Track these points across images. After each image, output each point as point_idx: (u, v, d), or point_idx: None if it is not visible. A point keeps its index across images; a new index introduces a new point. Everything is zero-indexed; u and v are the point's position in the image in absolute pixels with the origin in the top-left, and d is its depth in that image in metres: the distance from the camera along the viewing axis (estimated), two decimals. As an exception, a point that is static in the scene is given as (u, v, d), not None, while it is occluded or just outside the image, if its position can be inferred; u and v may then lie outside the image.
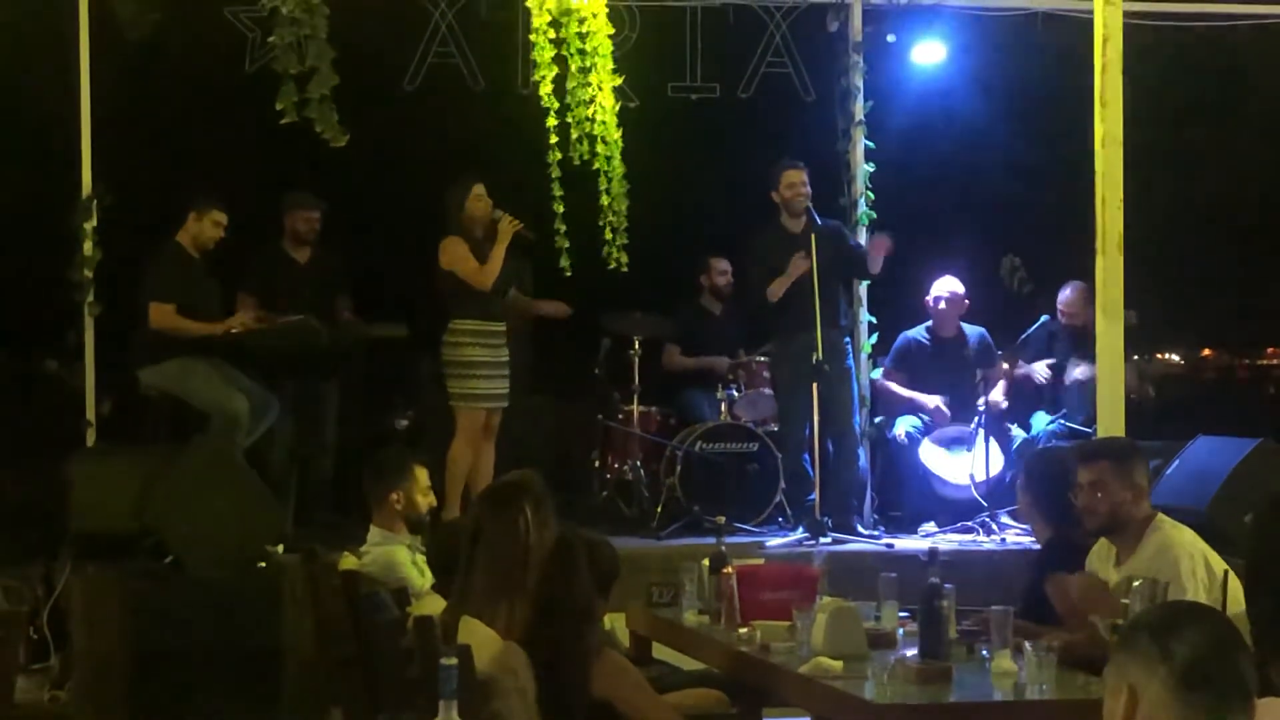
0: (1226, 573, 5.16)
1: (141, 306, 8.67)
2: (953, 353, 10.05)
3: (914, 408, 9.90)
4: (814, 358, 8.96)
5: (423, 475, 6.87)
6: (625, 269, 9.21)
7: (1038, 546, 6.48)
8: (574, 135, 9.04)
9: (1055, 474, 5.96)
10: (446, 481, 8.52)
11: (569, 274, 9.23)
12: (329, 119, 7.75)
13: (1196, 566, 5.34)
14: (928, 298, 10.06)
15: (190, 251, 8.79)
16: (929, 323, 10.09)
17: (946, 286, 10.04)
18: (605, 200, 9.14)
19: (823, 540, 8.84)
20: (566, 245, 9.23)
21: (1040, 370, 10.06)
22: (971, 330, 10.15)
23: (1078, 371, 9.78)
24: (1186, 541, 5.46)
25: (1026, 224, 10.63)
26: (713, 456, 9.53)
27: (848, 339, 9.51)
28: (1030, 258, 9.51)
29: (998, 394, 9.76)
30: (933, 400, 9.88)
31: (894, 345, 10.11)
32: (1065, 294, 10.04)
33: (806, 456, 9.20)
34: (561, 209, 9.22)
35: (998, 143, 10.71)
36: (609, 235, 9.20)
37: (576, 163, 9.06)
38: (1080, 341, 9.54)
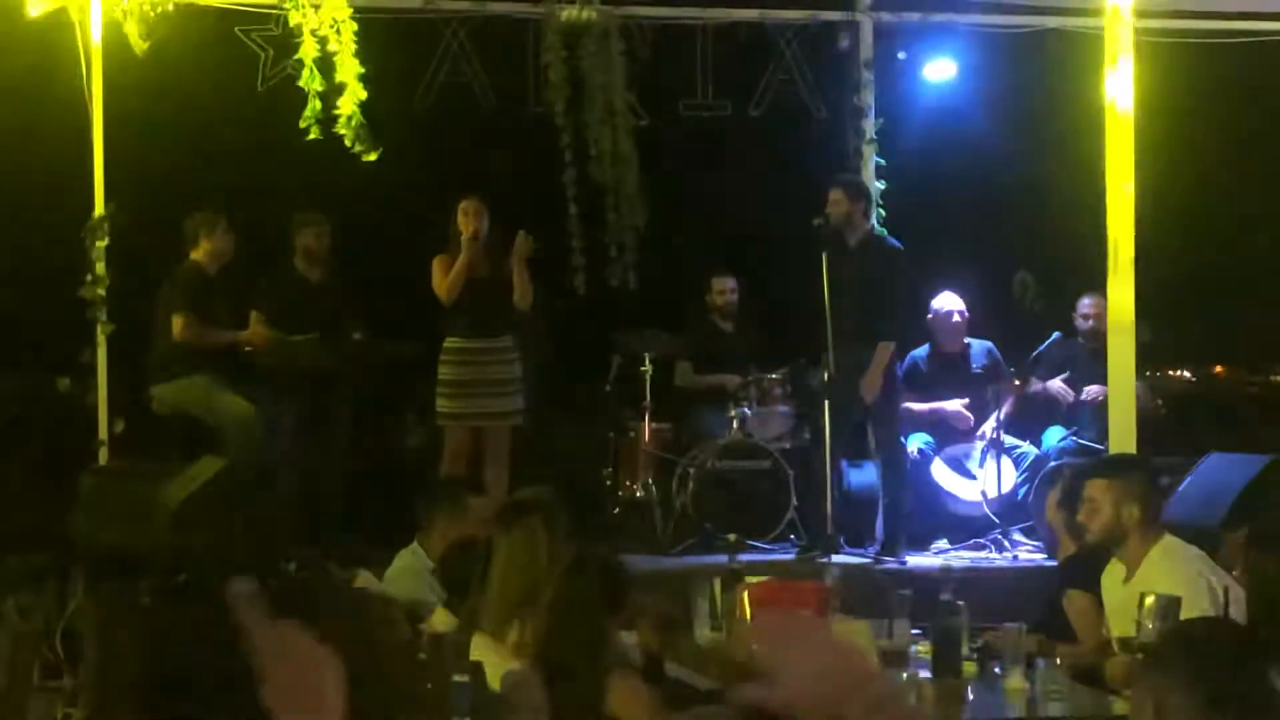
0: (1228, 589, 5.15)
1: (162, 322, 8.74)
2: (958, 368, 10.01)
3: (935, 420, 9.85)
4: (823, 375, 8.97)
5: (477, 507, 6.97)
6: (633, 286, 9.24)
7: (1053, 562, 6.49)
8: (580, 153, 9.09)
9: (1076, 489, 5.95)
10: None
11: (582, 292, 9.26)
12: (360, 134, 7.76)
13: (1200, 582, 5.32)
14: (929, 315, 9.99)
15: (207, 270, 8.87)
16: (930, 340, 10.04)
17: (944, 303, 10.00)
18: (615, 218, 9.17)
19: (835, 557, 8.83)
20: (583, 264, 9.27)
21: (1055, 386, 9.96)
22: (978, 345, 10.11)
23: (1092, 390, 9.72)
24: (1190, 558, 5.45)
25: (1038, 240, 10.60)
26: (724, 474, 9.52)
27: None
28: (1042, 274, 9.49)
29: (991, 420, 9.67)
30: (954, 405, 9.83)
31: (900, 366, 10.06)
32: (1086, 301, 9.92)
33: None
34: (578, 228, 9.26)
35: (1009, 159, 10.70)
36: (614, 253, 9.23)
37: (589, 181, 9.11)
38: (1100, 353, 9.47)
